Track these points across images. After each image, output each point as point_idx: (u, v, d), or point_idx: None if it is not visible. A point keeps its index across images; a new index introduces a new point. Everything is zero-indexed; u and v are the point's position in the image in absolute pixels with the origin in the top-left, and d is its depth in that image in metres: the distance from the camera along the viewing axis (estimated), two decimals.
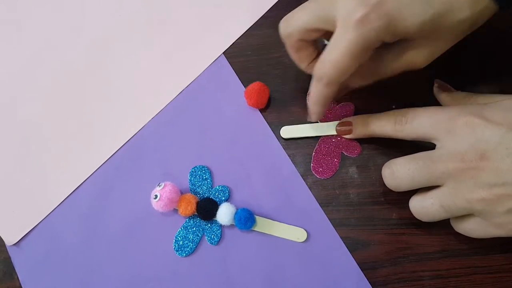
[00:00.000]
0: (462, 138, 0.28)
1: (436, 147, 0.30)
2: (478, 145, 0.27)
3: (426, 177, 0.29)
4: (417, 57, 0.30)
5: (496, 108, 0.28)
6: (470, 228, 0.29)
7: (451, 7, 0.27)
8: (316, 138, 0.38)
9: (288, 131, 0.38)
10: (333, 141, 0.37)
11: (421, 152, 0.30)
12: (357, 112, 0.38)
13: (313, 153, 0.37)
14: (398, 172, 0.30)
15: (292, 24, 0.31)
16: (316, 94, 0.32)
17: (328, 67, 0.29)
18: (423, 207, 0.30)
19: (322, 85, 0.31)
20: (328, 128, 0.38)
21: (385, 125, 0.33)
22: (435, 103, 0.37)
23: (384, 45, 0.29)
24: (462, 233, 0.31)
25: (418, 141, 0.31)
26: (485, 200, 0.27)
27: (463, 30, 0.29)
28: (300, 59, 0.34)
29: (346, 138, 0.37)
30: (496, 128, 0.27)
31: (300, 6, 0.31)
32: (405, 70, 0.32)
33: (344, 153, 0.37)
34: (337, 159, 0.37)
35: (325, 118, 0.38)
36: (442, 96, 0.35)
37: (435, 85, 0.36)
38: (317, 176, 0.37)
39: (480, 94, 0.33)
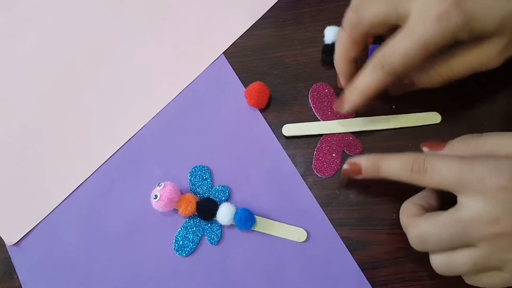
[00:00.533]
0: (496, 202, 0.26)
1: (461, 202, 0.28)
2: None
3: (459, 242, 0.27)
4: (491, 56, 0.29)
5: None
6: (491, 281, 0.28)
7: None
8: (317, 137, 0.38)
9: (290, 129, 0.38)
10: (334, 140, 0.37)
11: (448, 214, 0.28)
12: (358, 111, 0.38)
13: (315, 152, 0.37)
14: (429, 240, 0.28)
15: (363, 14, 0.30)
16: (368, 82, 0.31)
17: (396, 56, 0.28)
18: (451, 265, 0.28)
19: (383, 73, 0.30)
20: (330, 127, 0.38)
21: (399, 172, 0.30)
22: (435, 103, 0.37)
23: (456, 44, 0.29)
24: (478, 285, 0.29)
25: None
26: None
27: None
28: (348, 51, 0.33)
29: (337, 139, 0.37)
30: None
31: None
32: (476, 71, 0.31)
33: (346, 151, 0.37)
34: (338, 158, 0.37)
35: (327, 116, 0.38)
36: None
37: (425, 149, 0.33)
38: (318, 174, 0.37)
39: (480, 136, 0.31)
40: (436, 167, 0.28)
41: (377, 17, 0.29)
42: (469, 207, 0.27)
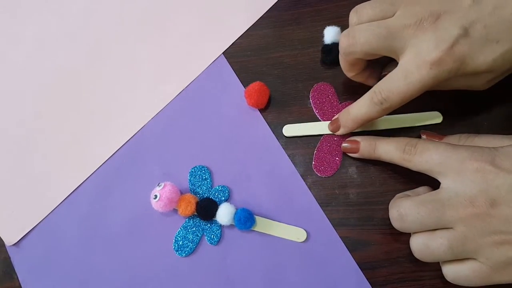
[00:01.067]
0: (473, 183, 0.27)
1: (442, 185, 0.29)
2: (489, 192, 0.27)
3: (436, 221, 0.28)
4: (480, 83, 0.31)
5: (507, 155, 0.28)
6: (468, 274, 0.28)
7: None
8: (317, 137, 0.38)
9: (290, 129, 0.38)
10: (334, 140, 0.37)
11: (427, 195, 0.29)
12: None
13: (315, 151, 0.37)
14: (407, 217, 0.29)
15: (356, 46, 0.32)
16: (365, 113, 0.33)
17: (393, 96, 0.30)
18: (428, 247, 0.29)
19: (381, 109, 0.32)
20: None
21: (393, 152, 0.32)
22: (436, 103, 0.37)
23: None
24: (455, 280, 0.29)
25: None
26: (496, 243, 0.27)
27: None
28: (351, 70, 0.35)
29: (338, 139, 0.37)
30: (507, 176, 0.27)
31: (365, 25, 0.31)
32: (467, 88, 0.33)
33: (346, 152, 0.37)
34: (338, 157, 0.37)
35: (328, 117, 0.38)
36: None
37: (423, 136, 0.35)
38: (318, 174, 0.37)
39: (475, 136, 0.33)
40: (425, 147, 0.30)
41: (371, 48, 0.31)
42: (448, 188, 0.29)
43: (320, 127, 0.38)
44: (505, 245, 0.26)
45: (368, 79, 0.36)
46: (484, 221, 0.27)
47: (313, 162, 0.37)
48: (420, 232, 0.30)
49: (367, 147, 0.34)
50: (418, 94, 0.30)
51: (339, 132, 0.36)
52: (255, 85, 0.38)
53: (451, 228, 0.28)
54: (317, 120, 0.38)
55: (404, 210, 0.30)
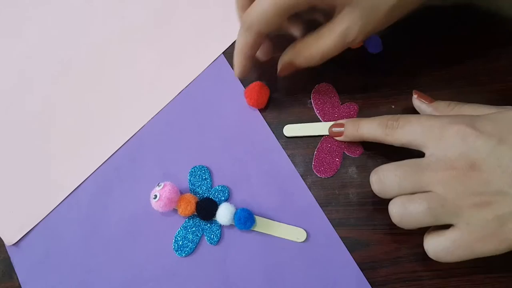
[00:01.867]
0: (453, 146, 0.28)
1: (425, 155, 0.29)
2: (469, 154, 0.27)
3: (414, 183, 0.29)
4: (350, 29, 0.31)
5: (488, 120, 0.28)
6: (449, 245, 0.28)
7: None
8: (317, 137, 0.37)
9: (291, 130, 0.38)
10: (335, 141, 0.37)
11: (409, 160, 0.30)
12: (361, 112, 0.38)
13: (315, 152, 0.37)
14: (385, 178, 0.30)
15: None
16: (239, 41, 0.34)
17: (253, 15, 0.31)
18: (406, 208, 0.29)
19: (244, 31, 0.32)
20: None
21: (375, 129, 0.32)
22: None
23: (323, 25, 0.32)
24: (437, 255, 0.29)
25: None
26: (476, 205, 0.27)
27: (389, 8, 0.30)
28: (241, 5, 0.35)
29: (339, 140, 0.37)
30: (487, 139, 0.27)
31: None
32: (344, 46, 0.32)
33: (346, 153, 0.37)
34: (338, 158, 0.37)
35: (329, 118, 0.38)
36: (423, 107, 0.35)
37: (414, 96, 0.35)
38: (318, 175, 0.37)
39: (464, 103, 0.32)
40: (407, 120, 0.30)
41: None
42: (431, 155, 0.29)
43: (321, 128, 0.37)
44: (485, 208, 0.26)
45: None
46: (464, 183, 0.27)
47: (313, 163, 0.37)
48: (399, 197, 0.30)
49: (350, 128, 0.35)
50: (277, 16, 0.30)
51: (236, 73, 0.36)
52: (255, 85, 0.38)
53: (430, 191, 0.28)
54: (317, 120, 0.38)
55: (383, 172, 0.30)
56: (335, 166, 0.37)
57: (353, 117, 0.38)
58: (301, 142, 0.38)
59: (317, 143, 0.37)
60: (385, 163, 0.33)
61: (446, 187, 0.27)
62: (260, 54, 0.38)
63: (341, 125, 0.36)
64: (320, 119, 0.38)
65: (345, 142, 0.37)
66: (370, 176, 0.31)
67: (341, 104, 0.38)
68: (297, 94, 0.39)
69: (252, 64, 0.36)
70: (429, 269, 0.33)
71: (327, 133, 0.37)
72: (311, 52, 0.33)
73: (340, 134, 0.36)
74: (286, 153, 0.37)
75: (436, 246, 0.29)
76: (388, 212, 0.30)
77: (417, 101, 0.35)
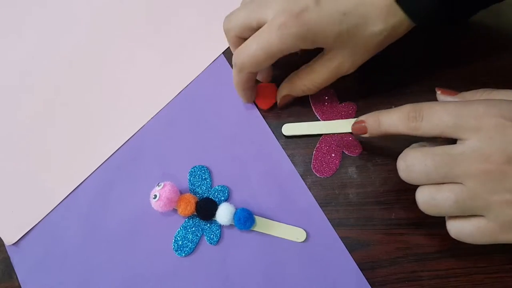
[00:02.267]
0: (491, 140, 0.26)
1: (458, 142, 0.28)
2: (507, 149, 0.26)
3: (444, 174, 0.27)
4: (342, 64, 0.33)
5: None
6: (472, 230, 0.28)
7: (365, 20, 0.30)
8: (317, 137, 0.37)
9: (290, 129, 0.38)
10: (334, 140, 0.37)
11: (439, 147, 0.28)
12: (359, 111, 0.38)
13: (314, 152, 0.37)
14: (413, 167, 0.28)
15: (231, 21, 0.34)
16: (234, 78, 0.36)
17: (243, 56, 0.32)
18: (434, 199, 0.28)
19: (236, 70, 0.34)
20: (330, 127, 0.37)
21: (397, 122, 0.30)
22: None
23: (316, 58, 0.34)
24: (458, 236, 0.28)
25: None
26: (508, 202, 0.26)
27: (378, 42, 0.32)
28: (234, 44, 0.36)
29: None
30: None
31: (241, 4, 0.35)
32: (337, 77, 0.35)
33: (345, 152, 0.37)
34: (337, 158, 0.37)
35: (327, 116, 0.38)
36: (448, 100, 0.33)
37: (438, 92, 0.33)
38: (317, 174, 0.36)
39: (492, 90, 0.31)
40: (431, 111, 0.28)
41: (242, 22, 0.33)
42: (464, 144, 0.27)
43: (320, 127, 0.37)
44: None
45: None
46: (497, 178, 0.26)
47: (312, 163, 0.37)
48: (427, 184, 0.28)
49: (372, 124, 0.32)
50: (267, 58, 0.32)
51: (244, 102, 0.39)
52: (268, 87, 0.38)
53: (460, 183, 0.27)
54: (316, 120, 0.38)
55: (411, 160, 0.28)
56: (334, 165, 0.37)
57: (351, 116, 0.38)
58: (301, 142, 0.37)
59: (316, 142, 0.37)
60: (386, 163, 0.33)
61: (478, 182, 0.26)
62: (260, 78, 0.39)
63: (361, 122, 0.33)
64: (319, 118, 0.38)
65: (343, 141, 0.37)
66: (397, 161, 0.29)
67: (340, 103, 0.38)
68: None
69: (254, 91, 0.38)
70: (429, 269, 0.33)
71: (326, 132, 0.37)
72: (307, 84, 0.35)
73: (364, 130, 0.33)
74: (286, 153, 0.37)
75: (460, 229, 0.28)
76: (415, 197, 0.29)
77: (442, 97, 0.33)
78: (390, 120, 0.30)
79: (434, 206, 0.28)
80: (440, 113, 0.28)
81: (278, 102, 0.38)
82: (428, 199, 0.28)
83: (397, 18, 0.30)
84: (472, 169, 0.26)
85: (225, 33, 0.35)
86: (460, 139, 0.27)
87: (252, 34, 0.33)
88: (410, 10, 0.30)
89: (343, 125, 0.37)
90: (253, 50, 0.32)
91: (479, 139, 0.26)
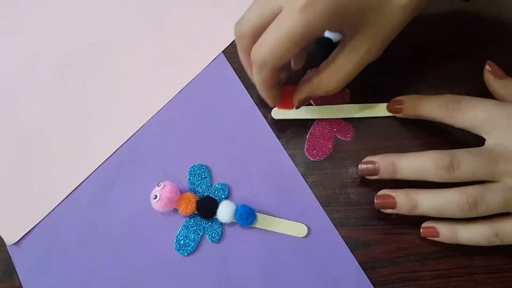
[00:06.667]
0: None
1: (488, 141, 0.28)
2: None
3: (487, 173, 0.27)
4: (370, 50, 0.28)
5: None
6: None
7: None
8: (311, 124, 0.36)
9: (279, 112, 0.36)
10: (327, 125, 0.36)
11: (475, 149, 0.28)
12: (352, 97, 0.36)
13: (307, 136, 0.35)
14: (463, 165, 0.27)
15: (244, 24, 0.29)
16: (255, 79, 0.30)
17: (264, 50, 0.27)
18: (483, 199, 0.27)
19: (257, 68, 0.28)
20: (322, 112, 0.36)
21: (436, 109, 0.30)
22: (427, 87, 0.35)
23: (336, 51, 0.29)
24: (506, 239, 0.28)
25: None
26: None
27: (404, 16, 0.27)
28: (249, 64, 0.31)
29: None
30: None
31: (248, 8, 0.29)
32: (363, 66, 0.29)
33: (338, 136, 0.35)
34: (330, 142, 0.35)
35: (319, 101, 0.36)
36: (492, 82, 0.32)
37: (487, 67, 0.32)
38: (310, 158, 0.35)
39: None
40: (470, 104, 0.29)
41: (256, 21, 0.28)
42: (497, 143, 0.28)
43: (311, 112, 0.36)
44: None
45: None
46: None
47: (306, 146, 0.35)
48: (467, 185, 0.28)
49: (410, 105, 0.32)
50: (291, 47, 0.26)
51: (271, 105, 0.33)
52: (286, 90, 0.34)
53: (498, 181, 0.27)
54: (309, 104, 0.36)
55: (461, 158, 0.28)
56: (327, 150, 0.35)
57: (345, 101, 0.36)
58: (301, 142, 0.36)
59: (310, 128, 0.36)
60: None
61: None
62: (293, 65, 0.35)
63: (400, 102, 0.33)
64: (312, 103, 0.36)
65: (336, 126, 0.35)
66: (435, 157, 0.28)
67: None
68: None
69: (280, 90, 0.32)
70: (430, 269, 0.31)
71: (317, 117, 0.35)
72: (332, 83, 0.30)
73: (398, 111, 0.33)
74: (287, 152, 0.35)
75: (506, 232, 0.28)
76: (458, 200, 0.28)
77: (488, 75, 0.32)
78: (430, 106, 0.31)
79: (484, 206, 0.27)
80: (477, 108, 0.28)
81: (295, 105, 0.33)
82: (476, 198, 0.27)
83: None
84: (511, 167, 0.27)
85: (238, 40, 0.30)
86: (490, 137, 0.28)
87: None
88: None
89: (336, 110, 0.36)
90: (273, 40, 0.26)
91: (510, 137, 0.27)
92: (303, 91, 0.32)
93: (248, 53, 0.29)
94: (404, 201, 0.30)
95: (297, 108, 0.33)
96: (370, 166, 0.31)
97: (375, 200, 0.31)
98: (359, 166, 0.32)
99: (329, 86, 0.30)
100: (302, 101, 0.33)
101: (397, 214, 0.32)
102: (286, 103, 0.34)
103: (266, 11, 0.27)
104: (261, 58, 0.27)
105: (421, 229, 0.31)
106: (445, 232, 0.30)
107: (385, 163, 0.30)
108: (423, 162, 0.29)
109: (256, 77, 0.30)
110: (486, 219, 0.29)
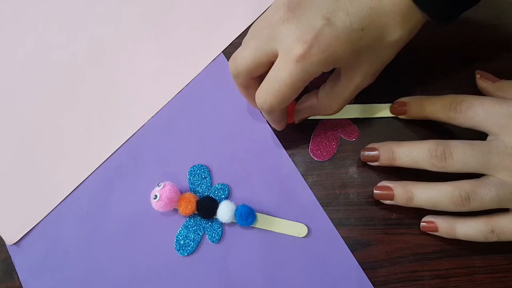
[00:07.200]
0: None
1: (489, 137, 0.29)
2: None
3: (480, 165, 0.28)
4: (364, 80, 0.29)
5: None
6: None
7: (384, 30, 0.27)
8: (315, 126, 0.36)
9: None
10: (331, 125, 0.36)
11: (475, 141, 0.28)
12: (357, 97, 0.34)
13: (312, 136, 0.35)
14: (455, 155, 0.28)
15: (238, 64, 0.30)
16: (267, 118, 0.32)
17: (270, 99, 0.28)
18: (477, 194, 0.28)
19: (265, 112, 0.30)
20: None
21: (439, 110, 0.31)
22: (429, 88, 0.35)
23: (332, 80, 0.30)
24: (501, 235, 0.28)
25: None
26: None
27: (396, 48, 0.29)
28: (248, 96, 0.32)
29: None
30: None
31: (242, 44, 0.30)
32: (358, 91, 0.31)
33: (342, 137, 0.35)
34: (335, 142, 0.35)
35: None
36: (486, 87, 0.33)
37: (477, 76, 0.33)
38: (315, 158, 0.35)
39: None
40: (470, 104, 0.29)
41: (250, 62, 0.29)
42: (496, 139, 0.28)
43: None
44: None
45: None
46: None
47: (310, 147, 0.35)
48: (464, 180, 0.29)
49: (414, 107, 0.33)
50: (293, 91, 0.28)
51: (402, 117, 0.34)
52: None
53: (492, 176, 0.28)
54: None
55: (453, 148, 0.28)
56: (331, 150, 0.35)
57: (350, 101, 0.35)
58: (301, 142, 0.35)
59: (314, 128, 0.36)
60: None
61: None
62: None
63: (404, 104, 0.33)
64: None
65: (341, 126, 0.35)
66: (429, 146, 0.29)
67: None
68: None
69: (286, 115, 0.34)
70: (430, 269, 0.31)
71: (324, 117, 0.35)
72: (333, 108, 0.31)
73: (403, 112, 0.34)
74: (287, 152, 0.35)
75: (502, 228, 0.28)
76: (451, 194, 0.28)
77: (481, 82, 0.33)
78: (433, 107, 0.31)
79: (476, 200, 0.28)
80: (476, 107, 0.29)
81: (296, 122, 0.35)
82: (469, 193, 0.28)
83: (413, 21, 0.27)
84: (506, 162, 0.27)
85: (234, 78, 0.31)
86: (491, 135, 0.28)
87: (263, 70, 0.29)
88: (430, 9, 0.27)
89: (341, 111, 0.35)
90: (276, 90, 0.28)
91: (509, 135, 0.27)
92: (305, 113, 0.34)
93: (244, 86, 0.32)
94: (401, 192, 0.31)
95: (297, 123, 0.35)
96: (372, 152, 0.32)
97: (374, 191, 0.32)
98: (361, 152, 0.33)
99: (330, 110, 0.32)
100: (303, 120, 0.35)
101: (397, 214, 0.32)
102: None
103: (260, 53, 0.28)
104: (268, 105, 0.29)
105: (421, 223, 0.32)
106: (444, 227, 0.31)
107: (385, 150, 0.32)
108: (420, 150, 0.30)
109: (267, 118, 0.32)
110: (484, 215, 0.29)
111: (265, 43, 0.28)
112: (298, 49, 0.26)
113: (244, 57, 0.29)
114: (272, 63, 0.28)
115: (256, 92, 0.29)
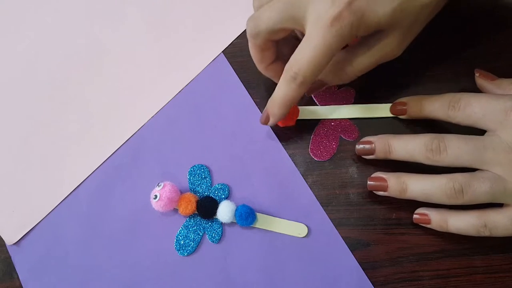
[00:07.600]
0: None
1: (487, 133, 0.28)
2: None
3: (473, 159, 0.28)
4: (391, 46, 0.29)
5: None
6: (507, 223, 0.28)
7: None
8: (315, 126, 0.35)
9: None
10: (331, 125, 0.35)
11: (471, 136, 0.28)
12: (357, 97, 0.36)
13: (312, 136, 0.35)
14: (449, 149, 0.28)
15: (261, 24, 0.29)
16: (285, 94, 0.29)
17: (303, 65, 0.27)
18: (470, 186, 0.27)
19: (296, 85, 0.28)
20: (327, 112, 0.35)
21: (438, 109, 0.30)
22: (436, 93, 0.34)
23: (361, 42, 0.29)
24: (493, 230, 0.28)
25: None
26: None
27: (428, 13, 0.28)
28: (262, 59, 0.32)
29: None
30: None
31: (267, 5, 0.29)
32: (381, 61, 0.30)
33: (342, 137, 0.35)
34: (335, 142, 0.35)
35: (325, 102, 0.36)
36: (485, 85, 0.32)
37: (476, 74, 0.33)
38: (315, 158, 0.35)
39: None
40: (467, 102, 0.29)
41: (274, 23, 0.28)
42: (493, 135, 0.28)
43: (317, 112, 0.35)
44: None
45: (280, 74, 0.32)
46: None
47: (310, 146, 0.35)
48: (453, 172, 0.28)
49: (413, 107, 0.32)
50: (328, 58, 0.27)
51: (270, 122, 0.32)
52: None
53: (487, 170, 0.27)
54: (314, 105, 0.36)
55: (447, 142, 0.28)
56: (331, 150, 0.35)
57: (350, 101, 0.36)
58: (301, 142, 0.35)
59: (314, 128, 0.35)
60: (386, 163, 0.31)
61: (506, 169, 0.27)
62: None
63: (403, 104, 0.33)
64: (317, 103, 0.36)
65: (341, 126, 0.35)
66: (426, 140, 0.29)
67: (338, 89, 0.36)
68: None
69: None
70: (430, 269, 0.31)
71: (323, 117, 0.35)
72: (349, 73, 0.31)
73: (402, 112, 0.33)
74: (287, 152, 0.35)
75: (494, 222, 0.28)
76: (444, 186, 0.28)
77: (480, 80, 0.33)
78: (432, 106, 0.31)
79: (470, 193, 0.27)
80: (473, 105, 0.29)
81: (307, 92, 0.34)
82: (463, 185, 0.28)
83: None
84: (500, 157, 0.27)
85: (253, 37, 0.30)
86: (489, 131, 0.28)
87: (284, 35, 0.29)
88: None
89: (342, 111, 0.35)
90: (310, 57, 0.27)
91: (505, 131, 0.27)
92: (319, 84, 0.33)
93: (261, 49, 0.30)
94: (394, 183, 0.30)
95: (308, 95, 0.34)
96: (367, 146, 0.32)
97: (368, 182, 0.32)
98: (357, 146, 0.33)
99: (346, 76, 0.31)
100: (316, 85, 0.33)
101: (397, 214, 0.32)
102: (287, 120, 0.34)
103: (287, 16, 0.27)
104: (302, 75, 0.27)
105: (414, 215, 0.32)
106: (436, 219, 0.30)
107: (381, 143, 0.31)
108: (415, 143, 0.29)
109: (284, 92, 0.29)
110: (477, 209, 0.29)
111: (293, 6, 0.27)
112: (330, 12, 0.25)
113: (268, 17, 0.28)
114: (292, 30, 0.28)
115: (288, 64, 0.28)
